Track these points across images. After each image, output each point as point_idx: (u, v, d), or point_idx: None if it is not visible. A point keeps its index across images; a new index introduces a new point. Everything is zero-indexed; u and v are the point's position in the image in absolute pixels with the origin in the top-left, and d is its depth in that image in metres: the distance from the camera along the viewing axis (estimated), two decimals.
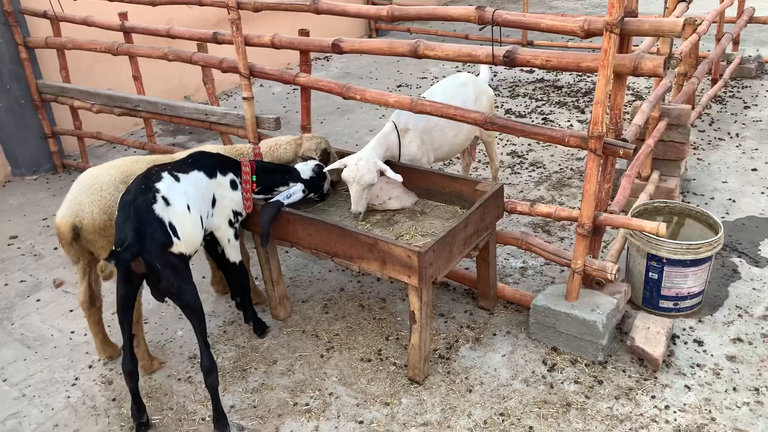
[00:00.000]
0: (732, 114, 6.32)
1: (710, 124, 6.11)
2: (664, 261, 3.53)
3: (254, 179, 3.47)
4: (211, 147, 3.70)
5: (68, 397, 3.42)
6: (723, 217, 4.59)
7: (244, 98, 4.33)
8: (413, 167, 3.76)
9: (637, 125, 3.46)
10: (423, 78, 8.14)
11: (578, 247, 3.32)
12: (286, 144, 3.85)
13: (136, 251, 2.75)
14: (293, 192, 3.55)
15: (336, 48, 3.89)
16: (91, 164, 6.05)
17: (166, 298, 2.94)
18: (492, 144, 4.66)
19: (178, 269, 2.88)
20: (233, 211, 3.44)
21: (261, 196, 3.53)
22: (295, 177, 3.62)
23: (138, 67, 5.31)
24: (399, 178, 3.46)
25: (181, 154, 3.58)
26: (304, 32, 4.17)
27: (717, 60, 6.41)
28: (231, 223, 3.45)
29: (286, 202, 3.50)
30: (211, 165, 3.35)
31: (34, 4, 5.65)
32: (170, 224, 2.88)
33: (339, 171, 3.64)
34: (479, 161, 5.66)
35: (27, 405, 3.39)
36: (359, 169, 3.45)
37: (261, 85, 8.05)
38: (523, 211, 3.58)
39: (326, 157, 3.93)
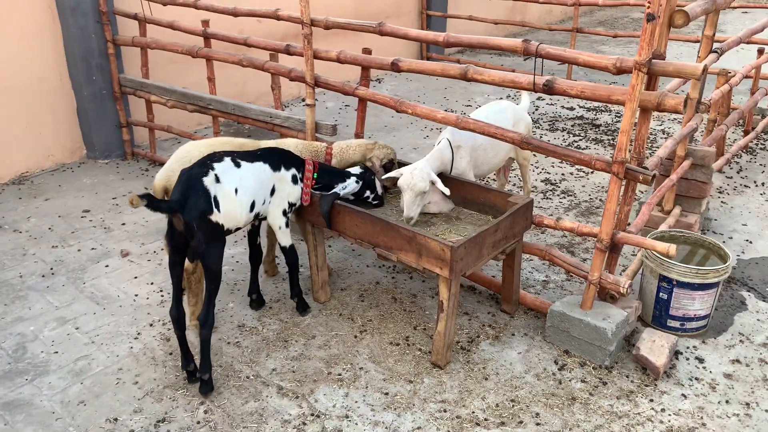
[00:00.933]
0: (761, 165, 6.61)
1: (738, 172, 6.42)
2: (674, 283, 3.87)
3: (315, 176, 3.93)
4: (292, 140, 4.21)
5: (131, 347, 3.90)
6: (738, 255, 4.90)
7: (307, 105, 4.82)
8: (453, 177, 4.19)
9: (659, 157, 3.83)
10: (468, 105, 8.60)
11: (596, 260, 3.69)
12: (356, 147, 4.30)
13: (176, 208, 3.26)
14: (347, 184, 4.01)
15: (395, 66, 4.36)
16: (158, 155, 6.63)
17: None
18: (526, 167, 5.06)
19: (210, 235, 3.35)
20: (289, 203, 3.90)
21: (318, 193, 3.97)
22: (350, 174, 4.08)
23: (213, 70, 5.87)
24: (447, 191, 3.86)
25: (266, 142, 4.12)
26: (367, 50, 4.66)
27: (750, 112, 6.73)
28: (284, 212, 3.91)
29: (341, 192, 3.97)
30: (277, 160, 3.83)
31: (126, 6, 6.29)
32: (215, 197, 3.36)
33: (394, 179, 4.06)
34: (513, 184, 6.06)
35: (95, 350, 3.87)
36: (414, 177, 3.85)
37: (316, 100, 8.59)
38: (549, 224, 3.97)
39: (391, 167, 4.30)
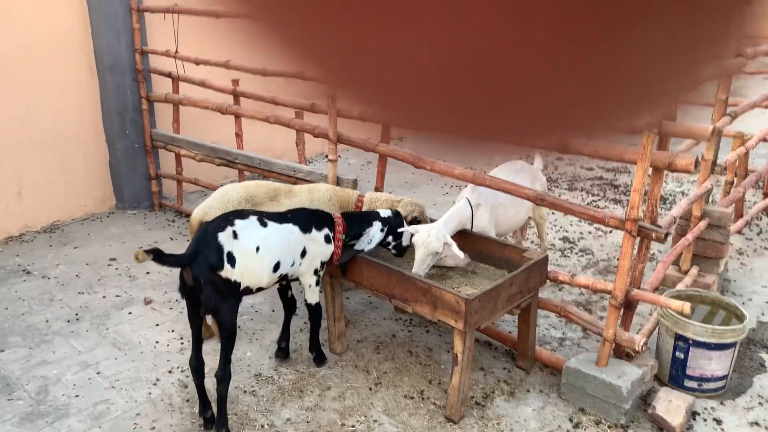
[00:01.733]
0: None
1: (758, 234, 6.41)
2: (691, 342, 3.86)
3: (344, 237, 3.93)
4: (325, 186, 4.36)
5: (150, 393, 3.96)
6: (758, 317, 4.86)
7: (329, 160, 4.99)
8: (470, 232, 4.27)
9: (673, 216, 3.89)
10: (487, 164, 8.72)
11: (611, 317, 3.71)
12: (385, 200, 4.41)
13: (186, 263, 3.33)
14: (373, 235, 3.98)
15: None
16: (184, 206, 6.83)
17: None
18: (543, 225, 5.14)
19: (220, 291, 3.35)
20: (321, 262, 3.92)
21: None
22: (375, 217, 4.05)
23: (241, 126, 6.11)
24: (461, 255, 3.90)
25: (300, 187, 4.31)
26: None
27: (767, 175, 6.76)
28: (316, 272, 3.93)
29: (366, 248, 3.96)
30: (308, 221, 3.82)
31: (160, 65, 6.62)
32: (229, 253, 3.37)
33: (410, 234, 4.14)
34: (531, 242, 6.12)
35: (115, 395, 3.94)
36: (429, 236, 3.90)
37: (339, 156, 8.83)
38: (564, 280, 4.02)
39: (416, 224, 4.34)
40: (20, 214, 6.25)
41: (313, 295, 4.02)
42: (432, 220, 4.45)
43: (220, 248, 3.38)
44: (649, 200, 3.64)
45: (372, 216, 4.06)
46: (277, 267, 3.64)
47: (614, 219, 3.61)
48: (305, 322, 4.75)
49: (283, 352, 4.27)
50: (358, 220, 4.04)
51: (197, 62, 6.07)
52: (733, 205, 6.60)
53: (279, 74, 5.39)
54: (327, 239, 3.88)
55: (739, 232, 6.33)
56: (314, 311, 4.10)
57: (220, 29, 7.25)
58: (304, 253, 3.81)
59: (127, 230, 6.48)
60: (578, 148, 3.71)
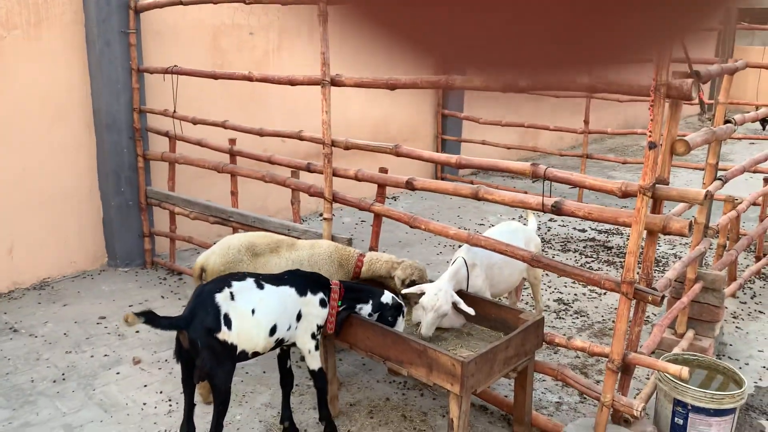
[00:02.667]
0: None
1: (752, 297, 6.40)
2: (689, 408, 3.79)
3: (339, 304, 3.84)
4: (326, 242, 4.39)
5: None
6: (756, 382, 4.80)
7: (325, 219, 5.00)
8: (465, 292, 4.25)
9: (668, 278, 3.89)
10: (481, 224, 8.78)
11: (608, 381, 3.66)
12: (384, 262, 4.38)
13: (181, 325, 3.27)
14: (364, 308, 3.90)
15: (409, 185, 4.56)
16: (176, 264, 6.78)
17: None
18: (537, 286, 5.12)
19: (217, 354, 3.29)
20: (318, 326, 3.81)
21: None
22: (376, 296, 3.93)
23: (236, 184, 6.15)
24: (471, 311, 3.88)
25: (302, 242, 4.35)
26: (383, 169, 4.90)
27: (761, 239, 6.82)
28: (313, 336, 3.81)
29: (358, 312, 3.90)
30: (303, 284, 3.76)
31: (158, 124, 6.70)
32: (225, 315, 3.32)
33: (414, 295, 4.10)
34: (525, 303, 6.08)
35: None
36: (439, 299, 3.87)
37: (333, 215, 8.87)
38: (560, 343, 3.98)
39: (422, 276, 4.32)
40: (10, 272, 6.19)
41: (314, 361, 3.85)
42: (430, 281, 4.43)
43: (217, 310, 3.34)
44: (643, 263, 3.65)
45: (372, 295, 3.94)
46: (273, 330, 3.56)
47: (610, 281, 3.60)
48: (296, 385, 4.66)
49: None
50: (357, 292, 3.93)
51: (195, 122, 6.15)
52: (727, 268, 6.62)
53: (276, 134, 5.46)
54: (322, 303, 3.80)
55: (733, 295, 6.33)
56: (317, 378, 3.91)
57: (218, 89, 7.39)
58: (299, 317, 3.74)
59: (118, 288, 6.41)
60: (572, 210, 3.74)
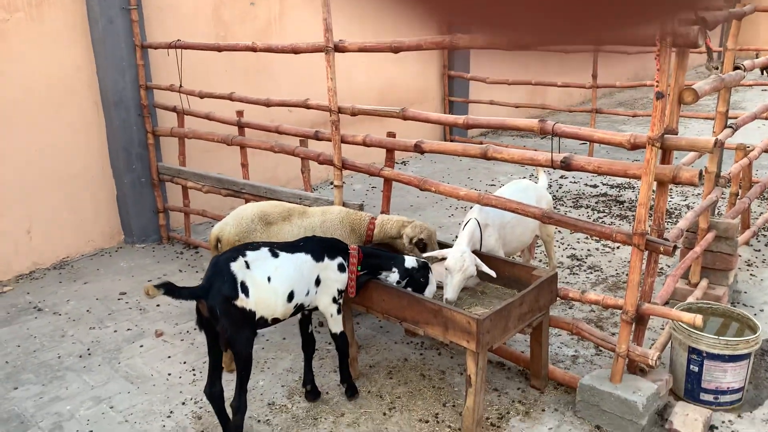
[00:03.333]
0: None
1: (766, 245, 6.39)
2: (704, 355, 3.84)
3: (359, 269, 3.87)
4: (337, 208, 4.44)
5: (164, 425, 3.95)
6: None
7: (335, 186, 5.03)
8: (479, 252, 4.28)
9: (680, 228, 3.90)
10: (491, 185, 8.78)
11: (623, 332, 3.70)
12: (395, 222, 4.42)
13: (200, 294, 3.36)
14: (391, 281, 3.92)
15: (418, 148, 4.57)
16: (192, 238, 6.87)
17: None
18: (550, 243, 5.14)
19: (235, 320, 3.37)
20: (338, 290, 3.86)
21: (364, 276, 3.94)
22: (399, 263, 3.95)
23: (246, 156, 6.18)
24: (494, 274, 3.93)
25: (313, 209, 4.38)
26: (391, 134, 4.90)
27: None
28: (335, 300, 3.87)
29: (382, 280, 3.93)
30: (320, 249, 3.80)
31: (165, 100, 6.72)
32: (242, 283, 3.40)
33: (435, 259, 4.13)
34: (539, 260, 6.12)
35: (129, 429, 3.93)
36: (465, 261, 3.91)
37: (344, 182, 8.90)
38: (574, 297, 4.02)
39: (422, 246, 4.35)
40: (30, 253, 6.30)
41: (336, 324, 3.93)
42: (440, 243, 4.47)
43: (233, 278, 3.41)
44: (654, 214, 3.66)
45: (394, 261, 3.95)
46: (291, 297, 3.62)
47: (621, 234, 3.62)
48: (316, 349, 4.75)
49: (311, 395, 4.10)
50: (376, 258, 3.95)
51: (201, 95, 6.15)
52: (740, 216, 6.59)
53: (282, 104, 5.46)
54: (341, 268, 3.83)
55: (747, 243, 6.32)
56: (339, 340, 3.98)
57: (223, 62, 7.37)
58: (318, 282, 3.79)
59: (136, 264, 6.51)
60: (581, 165, 3.74)
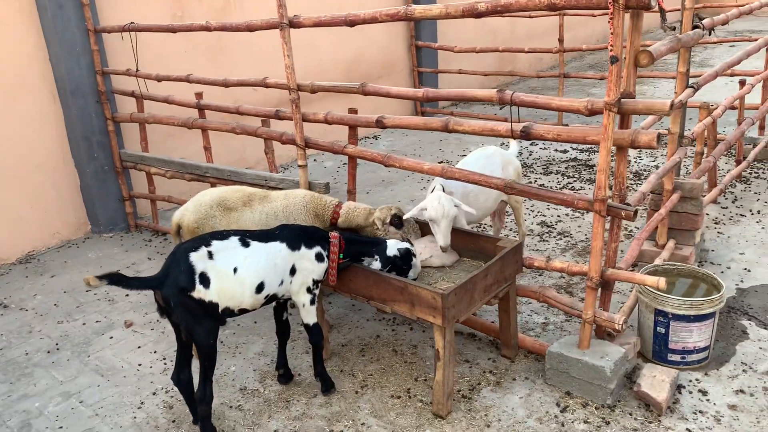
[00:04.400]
0: (755, 193, 6.64)
1: (733, 202, 6.45)
2: (670, 316, 3.87)
3: (341, 256, 3.78)
4: (302, 192, 4.36)
5: (134, 417, 3.92)
6: (737, 284, 4.89)
7: (299, 166, 4.95)
8: None
9: (642, 192, 3.90)
10: (463, 155, 8.72)
11: (588, 298, 3.71)
12: (362, 210, 4.30)
13: (154, 285, 3.31)
14: (371, 263, 3.86)
15: (380, 123, 4.50)
16: (160, 225, 6.77)
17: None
18: (519, 210, 5.13)
19: (192, 311, 3.30)
20: (314, 280, 3.76)
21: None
22: (381, 250, 3.86)
23: (209, 139, 6.07)
24: (473, 211, 4.02)
25: (275, 193, 4.30)
26: (353, 110, 4.82)
27: (740, 142, 6.81)
28: (309, 290, 3.76)
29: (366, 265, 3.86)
30: (297, 238, 3.69)
31: (123, 85, 6.56)
32: (202, 273, 3.31)
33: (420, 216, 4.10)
34: (510, 229, 6.12)
35: (99, 423, 3.89)
36: (444, 205, 3.89)
37: (315, 160, 8.81)
38: (540, 266, 4.02)
39: (398, 221, 4.25)
40: None
41: (309, 316, 3.82)
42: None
43: (191, 268, 3.31)
44: (616, 179, 3.65)
45: (376, 249, 3.86)
46: (260, 288, 3.53)
47: (583, 201, 3.61)
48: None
49: (284, 378, 4.10)
50: (359, 244, 3.88)
51: (158, 79, 6.00)
52: (706, 175, 6.64)
53: (240, 84, 5.35)
54: (319, 257, 3.73)
55: (715, 201, 6.38)
56: (312, 333, 3.87)
57: (182, 43, 7.20)
58: (294, 271, 3.69)
59: (104, 254, 6.41)
60: (541, 134, 3.70)
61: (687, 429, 3.47)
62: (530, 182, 7.43)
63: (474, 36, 11.66)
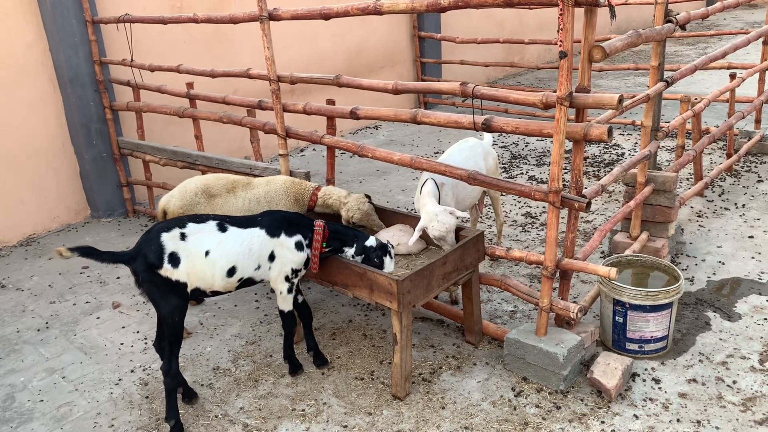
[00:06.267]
0: (744, 187, 6.64)
1: (720, 195, 6.46)
2: (627, 306, 3.96)
3: (324, 245, 3.86)
4: (281, 178, 4.51)
5: (111, 393, 4.12)
6: (709, 277, 4.94)
7: (280, 155, 5.10)
8: (406, 215, 4.38)
9: (600, 185, 3.97)
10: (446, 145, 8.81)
11: (544, 287, 3.82)
12: (335, 198, 4.44)
13: (125, 260, 3.52)
14: (348, 257, 3.91)
15: (354, 114, 4.62)
16: (156, 211, 6.97)
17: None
18: (497, 200, 5.22)
19: (159, 288, 3.48)
20: (292, 269, 3.84)
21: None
22: (360, 240, 3.90)
23: (200, 128, 6.24)
24: (467, 215, 4.08)
25: (258, 180, 4.45)
26: (330, 101, 4.95)
27: (730, 135, 6.81)
28: (287, 278, 3.85)
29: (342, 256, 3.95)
30: (277, 225, 3.77)
31: (120, 75, 6.75)
32: (172, 253, 3.47)
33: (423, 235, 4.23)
34: (488, 216, 6.21)
35: (78, 397, 4.10)
36: (444, 222, 3.98)
37: (314, 149, 8.96)
38: (500, 255, 4.13)
39: (364, 217, 4.36)
40: None
41: (285, 303, 3.92)
42: (381, 209, 4.55)
43: (161, 247, 3.48)
44: (572, 171, 3.73)
45: (355, 240, 3.91)
46: (232, 272, 3.64)
47: (539, 192, 3.70)
48: (265, 315, 4.90)
49: (319, 360, 4.18)
50: (342, 235, 3.93)
51: (151, 69, 6.18)
52: (690, 168, 6.66)
53: (226, 75, 5.50)
54: (298, 246, 3.79)
55: (701, 194, 6.40)
56: (285, 320, 3.97)
57: (181, 33, 7.36)
58: (272, 258, 3.77)
59: (101, 238, 6.64)
60: (501, 126, 3.80)
61: (634, 415, 3.57)
62: (522, 173, 7.50)
63: (479, 26, 11.69)
